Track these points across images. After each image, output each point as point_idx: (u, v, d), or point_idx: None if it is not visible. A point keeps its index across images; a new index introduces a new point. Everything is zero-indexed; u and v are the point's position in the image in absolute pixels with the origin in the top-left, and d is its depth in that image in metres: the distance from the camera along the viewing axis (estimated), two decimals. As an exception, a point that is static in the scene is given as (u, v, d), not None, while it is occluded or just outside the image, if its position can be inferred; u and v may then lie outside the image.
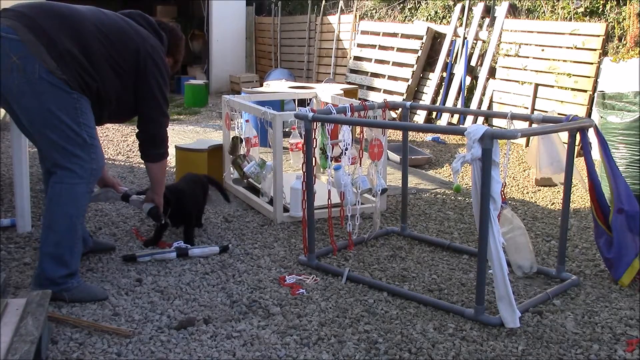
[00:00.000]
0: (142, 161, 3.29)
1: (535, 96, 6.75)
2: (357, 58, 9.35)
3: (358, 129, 4.00)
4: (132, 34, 2.94)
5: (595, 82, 6.29)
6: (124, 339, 2.59)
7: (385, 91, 8.64)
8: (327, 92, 5.49)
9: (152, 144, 3.14)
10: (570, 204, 3.58)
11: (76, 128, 2.76)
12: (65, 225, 2.81)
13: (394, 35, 8.80)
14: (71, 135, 2.75)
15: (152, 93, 3.00)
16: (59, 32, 2.73)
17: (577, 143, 3.18)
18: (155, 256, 3.40)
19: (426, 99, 8.19)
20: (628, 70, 5.97)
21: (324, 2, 10.45)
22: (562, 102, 6.55)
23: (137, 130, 3.14)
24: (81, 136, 2.77)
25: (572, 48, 6.53)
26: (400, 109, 5.31)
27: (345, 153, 3.55)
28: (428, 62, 8.42)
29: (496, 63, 7.40)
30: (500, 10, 7.51)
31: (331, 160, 3.54)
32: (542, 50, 6.82)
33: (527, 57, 6.97)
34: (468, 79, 7.76)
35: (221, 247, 3.55)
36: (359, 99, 6.60)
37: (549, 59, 6.74)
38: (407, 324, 2.76)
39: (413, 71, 8.32)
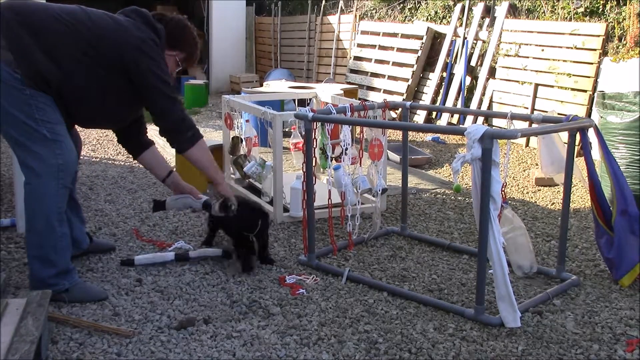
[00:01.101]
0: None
1: (535, 96, 6.75)
2: (357, 58, 9.35)
3: (358, 128, 4.00)
4: (116, 30, 2.83)
5: (595, 82, 6.29)
6: (124, 339, 2.59)
7: (385, 91, 8.64)
8: (327, 92, 5.48)
9: (176, 132, 3.00)
10: (570, 204, 3.58)
11: (33, 124, 2.70)
12: (43, 224, 2.78)
13: (394, 35, 8.80)
14: (29, 132, 2.71)
15: (150, 84, 2.87)
16: (23, 28, 2.67)
17: (577, 143, 3.18)
18: (155, 260, 3.36)
19: (426, 99, 8.19)
20: (628, 70, 5.97)
21: (324, 2, 10.45)
22: (562, 102, 6.55)
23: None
24: (40, 132, 2.71)
25: (572, 48, 6.53)
26: (400, 109, 5.31)
27: (345, 153, 3.55)
28: (428, 62, 8.42)
29: (496, 63, 7.40)
30: (500, 10, 7.51)
31: (331, 160, 3.54)
32: (542, 50, 6.82)
33: (527, 57, 6.97)
34: (468, 79, 7.76)
35: (224, 251, 3.49)
36: (359, 99, 6.60)
37: (549, 59, 6.74)
38: (407, 324, 2.77)
39: (413, 71, 8.32)
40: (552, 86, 6.68)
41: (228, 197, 3.16)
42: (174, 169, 3.39)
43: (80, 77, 2.78)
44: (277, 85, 7.20)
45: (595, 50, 6.33)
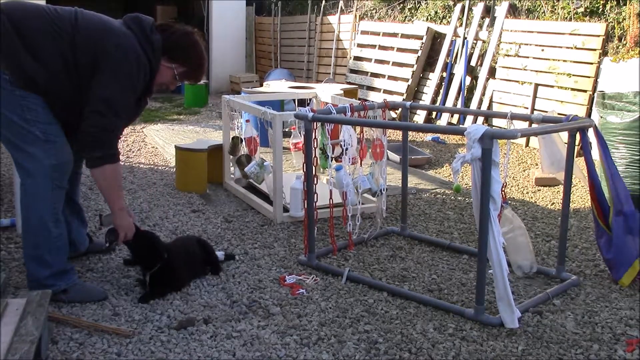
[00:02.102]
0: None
1: (535, 96, 6.74)
2: (357, 58, 9.35)
3: (358, 128, 4.00)
4: (98, 32, 2.77)
5: (595, 82, 6.29)
6: (124, 339, 2.59)
7: (385, 91, 8.64)
8: (327, 92, 5.49)
9: (84, 144, 2.77)
10: (570, 204, 3.58)
11: (25, 125, 2.69)
12: (37, 225, 2.78)
13: (394, 35, 8.80)
14: (22, 132, 2.70)
15: (95, 87, 2.73)
16: (12, 28, 2.65)
17: (577, 143, 3.18)
18: None
19: (426, 99, 8.19)
20: (628, 70, 5.97)
21: (324, 2, 10.45)
22: (562, 102, 6.55)
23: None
24: (32, 133, 2.70)
25: (572, 48, 6.53)
26: (400, 109, 5.31)
27: (345, 153, 3.55)
28: (428, 62, 8.42)
29: (496, 63, 7.40)
30: (500, 10, 7.51)
31: (331, 161, 3.54)
32: (542, 50, 6.82)
33: (527, 57, 6.97)
34: (468, 79, 7.76)
35: (227, 254, 3.47)
36: (359, 99, 6.60)
37: (549, 59, 6.74)
38: (407, 324, 2.76)
39: (413, 71, 8.32)
40: (552, 86, 6.67)
41: (117, 228, 2.94)
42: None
43: (61, 78, 2.74)
44: (277, 85, 7.20)
45: (595, 50, 6.33)
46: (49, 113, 2.76)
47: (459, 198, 4.80)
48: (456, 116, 7.74)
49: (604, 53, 6.32)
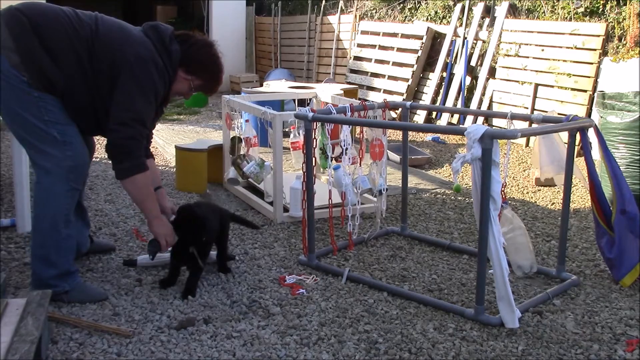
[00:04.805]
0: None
1: (535, 96, 6.75)
2: (357, 58, 9.35)
3: (358, 128, 4.00)
4: (117, 40, 2.78)
5: (595, 82, 6.29)
6: (124, 339, 2.59)
7: (385, 91, 8.64)
8: (327, 92, 5.49)
9: (112, 157, 2.80)
10: (570, 204, 3.58)
11: (43, 126, 2.71)
12: (47, 225, 2.78)
13: (394, 35, 8.80)
14: (40, 133, 2.71)
15: (117, 98, 2.75)
16: (32, 30, 2.66)
17: (577, 143, 3.18)
18: (157, 261, 3.35)
19: (426, 99, 8.20)
20: (628, 70, 5.97)
21: (324, 2, 10.45)
22: (562, 102, 6.55)
23: None
24: (50, 134, 2.72)
25: (572, 48, 6.53)
26: (400, 109, 5.31)
27: (345, 153, 3.55)
28: (428, 62, 8.42)
29: (496, 63, 7.40)
30: (500, 10, 7.51)
31: (331, 160, 3.54)
32: (542, 50, 6.83)
33: (527, 57, 6.97)
34: (468, 79, 7.76)
35: (227, 255, 3.45)
36: (359, 99, 6.60)
37: (549, 59, 6.74)
38: (407, 324, 2.77)
39: (413, 71, 8.32)
40: (552, 86, 6.68)
41: (157, 236, 2.96)
42: (161, 186, 3.21)
43: (77, 82, 2.75)
44: (277, 85, 7.20)
45: (595, 50, 6.33)
46: (66, 115, 2.78)
47: (459, 198, 4.80)
48: (456, 116, 7.74)
49: (604, 53, 6.32)
